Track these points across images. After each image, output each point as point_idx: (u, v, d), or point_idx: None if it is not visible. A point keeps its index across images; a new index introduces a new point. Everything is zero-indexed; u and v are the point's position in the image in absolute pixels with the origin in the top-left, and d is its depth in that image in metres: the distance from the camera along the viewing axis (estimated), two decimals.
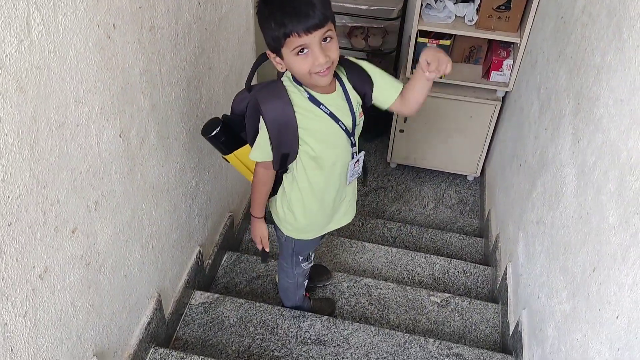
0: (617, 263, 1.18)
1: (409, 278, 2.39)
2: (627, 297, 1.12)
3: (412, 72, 2.75)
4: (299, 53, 1.28)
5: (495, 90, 2.75)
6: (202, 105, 1.81)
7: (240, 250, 2.45)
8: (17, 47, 0.94)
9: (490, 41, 2.72)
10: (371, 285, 2.22)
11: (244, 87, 1.47)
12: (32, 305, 1.12)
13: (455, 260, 2.47)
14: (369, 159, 3.29)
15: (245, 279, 2.24)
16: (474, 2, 2.57)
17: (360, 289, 2.21)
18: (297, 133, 1.40)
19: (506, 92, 2.74)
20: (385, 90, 1.50)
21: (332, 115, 1.41)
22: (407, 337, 1.95)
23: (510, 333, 1.95)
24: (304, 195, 1.54)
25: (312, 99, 1.39)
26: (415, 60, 2.70)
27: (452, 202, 3.10)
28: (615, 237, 1.21)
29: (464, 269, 2.43)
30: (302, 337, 1.95)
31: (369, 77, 1.48)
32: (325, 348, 1.92)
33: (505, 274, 2.14)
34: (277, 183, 1.59)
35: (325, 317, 2.02)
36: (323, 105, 1.40)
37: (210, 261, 2.15)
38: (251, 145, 1.48)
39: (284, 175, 1.56)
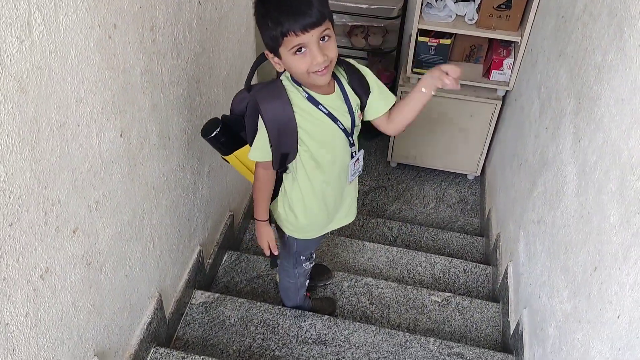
0: (618, 262, 1.18)
1: (409, 277, 2.39)
2: (629, 296, 1.12)
3: (412, 72, 2.76)
4: (297, 52, 1.27)
5: (496, 89, 2.74)
6: (202, 105, 1.81)
7: (240, 249, 2.45)
8: (18, 47, 0.94)
9: (490, 40, 2.72)
10: (372, 285, 2.22)
11: (244, 87, 1.47)
12: (33, 306, 1.12)
13: (455, 259, 2.47)
14: (369, 158, 3.29)
15: (245, 279, 2.24)
16: (474, 1, 2.57)
17: (360, 289, 2.21)
18: (297, 133, 1.40)
19: (507, 91, 2.74)
20: (378, 102, 1.51)
21: (330, 115, 1.41)
22: (407, 336, 1.95)
23: (511, 332, 1.95)
24: (305, 195, 1.54)
25: (311, 99, 1.39)
26: (416, 60, 2.70)
27: (452, 201, 3.10)
28: (616, 237, 1.21)
29: (465, 268, 2.43)
30: (302, 337, 1.95)
31: (368, 84, 1.48)
32: (326, 347, 1.92)
33: (506, 273, 2.14)
34: (279, 185, 1.59)
35: (326, 316, 2.02)
36: (321, 105, 1.40)
37: (210, 261, 2.15)
38: (251, 145, 1.48)
39: (284, 175, 1.56)
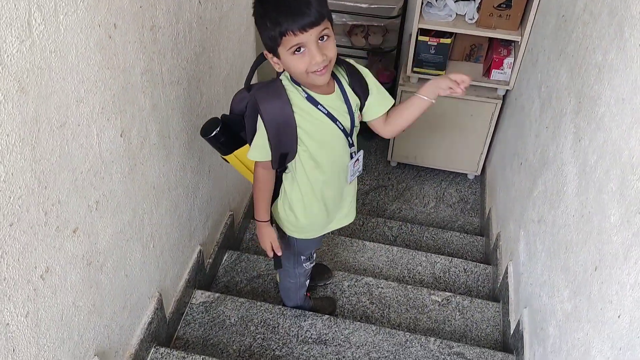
0: (618, 262, 1.18)
1: (409, 277, 2.39)
2: (629, 296, 1.12)
3: (412, 71, 2.75)
4: (296, 52, 1.27)
5: (496, 88, 2.74)
6: (202, 105, 1.81)
7: (240, 249, 2.45)
8: (19, 47, 0.94)
9: (491, 39, 2.72)
10: (372, 284, 2.22)
11: (243, 87, 1.47)
12: (33, 306, 1.12)
13: (456, 259, 2.47)
14: (369, 157, 3.29)
15: (246, 278, 2.24)
16: (474, 0, 2.56)
17: (361, 288, 2.21)
18: (296, 133, 1.39)
19: (507, 90, 2.74)
20: (376, 103, 1.51)
21: (329, 115, 1.41)
22: (408, 336, 1.95)
23: (512, 332, 1.95)
24: (304, 194, 1.54)
25: (310, 99, 1.38)
26: (416, 59, 2.70)
27: (452, 200, 3.10)
28: (616, 236, 1.21)
29: (465, 267, 2.43)
30: (303, 337, 1.95)
31: (367, 85, 1.48)
32: (326, 347, 1.92)
33: (506, 272, 2.14)
34: (279, 186, 1.59)
35: (326, 316, 2.02)
36: (321, 105, 1.39)
37: (211, 260, 2.15)
38: (250, 145, 1.48)
39: (284, 175, 1.56)
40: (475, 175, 3.19)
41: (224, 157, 1.61)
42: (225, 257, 2.29)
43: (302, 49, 1.27)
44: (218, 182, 2.10)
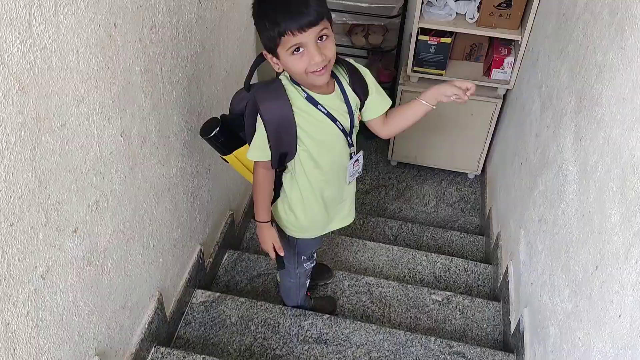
0: (619, 262, 1.18)
1: (410, 276, 2.39)
2: (630, 295, 1.12)
3: (412, 70, 2.75)
4: (295, 52, 1.27)
5: (496, 88, 2.74)
6: (202, 104, 1.81)
7: (241, 248, 2.45)
8: (19, 47, 0.94)
9: (491, 39, 2.72)
10: (372, 284, 2.22)
11: (243, 87, 1.47)
12: (34, 305, 1.12)
13: (456, 258, 2.47)
14: (369, 156, 3.29)
15: (246, 278, 2.24)
16: None
17: (361, 288, 2.21)
18: (296, 132, 1.39)
19: (507, 89, 2.73)
20: (375, 103, 1.51)
21: (329, 115, 1.41)
22: (408, 335, 1.95)
23: (512, 331, 1.95)
24: (304, 194, 1.54)
25: (310, 99, 1.38)
26: (416, 59, 2.70)
27: (453, 200, 3.09)
28: (617, 236, 1.20)
29: (465, 267, 2.43)
30: (303, 336, 1.95)
31: (367, 85, 1.48)
32: (326, 347, 1.92)
33: (506, 272, 2.14)
34: (279, 187, 1.58)
35: (327, 315, 2.02)
36: (320, 105, 1.39)
37: (211, 260, 2.15)
38: (250, 145, 1.48)
39: (283, 175, 1.55)
40: (476, 175, 3.18)
41: (224, 157, 1.61)
42: (225, 257, 2.29)
43: (301, 49, 1.26)
44: (218, 182, 2.10)
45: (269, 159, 1.44)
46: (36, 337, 1.14)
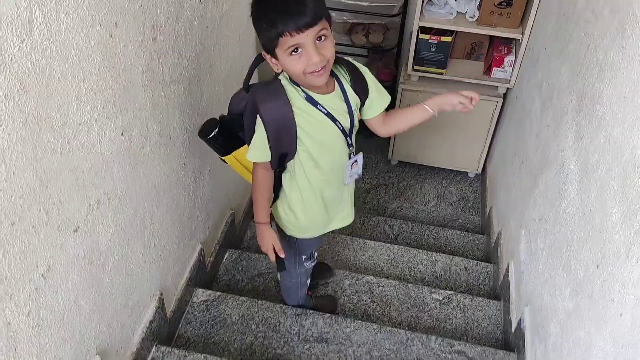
0: (620, 260, 1.18)
1: (410, 275, 2.39)
2: (631, 294, 1.12)
3: (413, 69, 2.75)
4: (293, 53, 1.27)
5: (497, 86, 2.74)
6: (203, 104, 1.81)
7: (241, 247, 2.45)
8: (20, 46, 0.94)
9: (491, 37, 2.72)
10: (373, 283, 2.22)
11: (242, 87, 1.46)
12: (35, 305, 1.12)
13: (456, 257, 2.47)
14: (369, 155, 3.29)
15: (246, 277, 2.24)
16: None
17: (362, 287, 2.21)
18: (296, 133, 1.39)
19: (507, 88, 2.73)
20: (376, 102, 1.51)
21: (329, 115, 1.40)
22: (409, 334, 1.95)
23: (513, 330, 1.95)
24: (304, 194, 1.54)
25: (309, 99, 1.38)
26: (417, 58, 2.70)
27: (453, 199, 3.09)
28: (618, 235, 1.20)
29: (466, 266, 2.43)
30: (304, 335, 1.95)
31: (367, 84, 1.47)
32: (327, 346, 1.92)
33: (507, 271, 2.14)
34: (278, 188, 1.58)
35: (328, 314, 2.02)
36: (320, 105, 1.39)
37: (212, 259, 2.15)
38: (249, 146, 1.47)
39: (283, 175, 1.55)
40: (476, 174, 3.18)
41: (223, 158, 1.61)
42: (226, 256, 2.29)
43: (299, 50, 1.26)
44: (219, 181, 2.10)
45: (269, 159, 1.43)
46: (37, 336, 1.14)
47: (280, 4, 1.24)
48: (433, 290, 2.21)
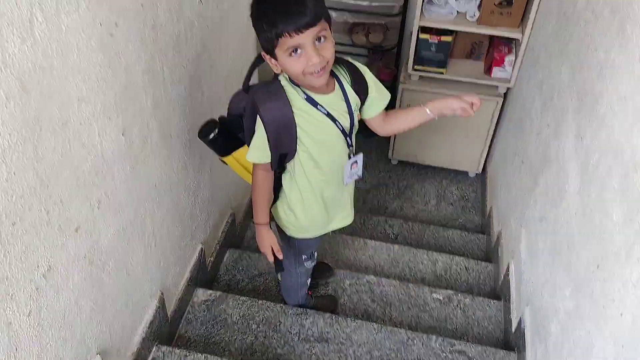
0: (621, 260, 1.18)
1: (411, 275, 2.39)
2: (632, 294, 1.12)
3: (413, 69, 2.75)
4: (292, 53, 1.27)
5: (497, 86, 2.74)
6: (204, 103, 1.81)
7: (242, 247, 2.45)
8: (20, 46, 0.94)
9: (491, 37, 2.71)
10: (373, 283, 2.22)
11: (241, 88, 1.46)
12: (36, 305, 1.12)
13: (457, 257, 2.47)
14: (370, 155, 3.29)
15: (247, 277, 2.24)
16: None
17: (362, 286, 2.21)
18: (296, 133, 1.39)
19: (508, 88, 2.73)
20: (376, 101, 1.51)
21: (329, 115, 1.40)
22: (409, 334, 1.95)
23: (513, 330, 1.95)
24: (304, 195, 1.54)
25: (309, 100, 1.38)
26: (417, 57, 2.70)
27: (453, 198, 3.10)
28: (619, 235, 1.20)
29: (466, 265, 2.43)
30: (304, 335, 1.95)
31: (367, 84, 1.47)
32: (328, 345, 1.92)
33: (507, 270, 2.14)
34: (278, 188, 1.58)
35: (328, 314, 2.02)
36: (320, 105, 1.39)
37: (212, 259, 2.15)
38: (249, 146, 1.47)
39: (283, 175, 1.55)
40: (476, 173, 3.18)
41: (222, 158, 1.60)
42: (226, 256, 2.29)
43: (298, 51, 1.26)
44: (219, 181, 2.10)
45: (269, 160, 1.43)
46: (38, 336, 1.14)
47: (280, 4, 1.24)
48: (433, 289, 2.21)
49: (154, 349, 1.74)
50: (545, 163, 1.84)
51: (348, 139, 1.47)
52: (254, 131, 1.41)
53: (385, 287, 2.21)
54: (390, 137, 3.11)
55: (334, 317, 2.01)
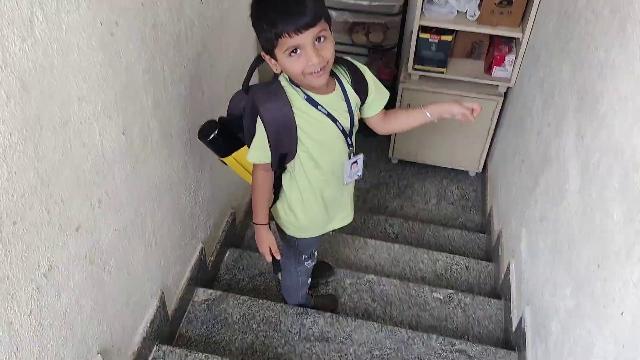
0: (621, 260, 1.18)
1: (411, 274, 2.39)
2: (632, 293, 1.12)
3: (413, 68, 2.75)
4: (292, 54, 1.26)
5: (497, 85, 2.74)
6: (204, 103, 1.81)
7: (242, 247, 2.45)
8: (21, 45, 0.94)
9: (492, 36, 2.71)
10: (374, 282, 2.22)
11: (241, 88, 1.46)
12: (36, 304, 1.12)
13: (457, 256, 2.47)
14: (370, 154, 3.29)
15: (247, 276, 2.24)
16: None
17: (362, 286, 2.21)
18: (296, 133, 1.39)
19: (508, 87, 2.73)
20: (376, 100, 1.51)
21: (329, 115, 1.40)
22: (410, 333, 1.96)
23: (514, 329, 1.95)
24: (304, 195, 1.54)
25: (310, 100, 1.38)
26: (417, 57, 2.70)
27: (454, 198, 3.10)
28: (619, 234, 1.20)
29: (467, 265, 2.43)
30: (305, 334, 1.95)
31: (367, 84, 1.47)
32: (328, 344, 1.92)
33: (508, 270, 2.14)
34: (278, 188, 1.58)
35: (328, 313, 2.02)
36: (320, 106, 1.39)
37: (212, 258, 2.15)
38: (249, 147, 1.47)
39: (283, 175, 1.55)
40: (477, 173, 3.18)
41: (222, 159, 1.60)
42: (227, 255, 2.29)
43: (298, 51, 1.26)
44: (220, 180, 2.10)
45: (269, 160, 1.43)
46: (39, 335, 1.14)
47: (280, 4, 1.24)
48: (434, 289, 2.21)
49: (155, 348, 1.74)
50: (546, 162, 1.84)
51: (348, 139, 1.47)
52: (254, 132, 1.41)
53: (385, 287, 2.21)
54: (390, 136, 3.11)
55: (334, 316, 2.01)
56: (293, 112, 1.36)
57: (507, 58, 2.61)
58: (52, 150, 1.07)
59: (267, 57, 1.34)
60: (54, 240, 1.13)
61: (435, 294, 2.19)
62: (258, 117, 1.37)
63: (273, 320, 1.98)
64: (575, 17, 1.75)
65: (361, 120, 1.56)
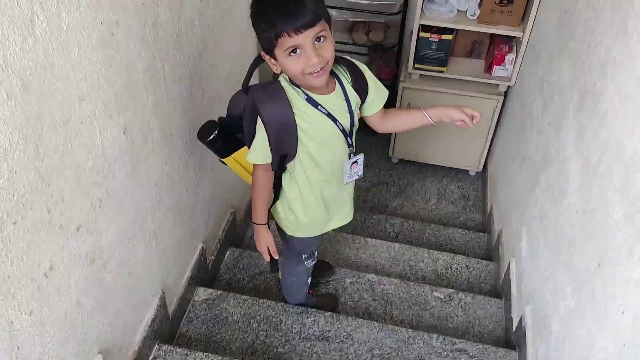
0: (622, 259, 1.18)
1: (412, 273, 2.39)
2: (633, 292, 1.12)
3: (414, 67, 2.75)
4: (292, 54, 1.26)
5: (498, 84, 2.74)
6: (204, 102, 1.81)
7: (242, 246, 2.45)
8: (21, 45, 0.93)
9: (492, 35, 2.71)
10: (374, 281, 2.22)
11: (240, 89, 1.45)
12: (37, 304, 1.12)
13: (458, 255, 2.47)
14: (370, 153, 3.29)
15: (248, 275, 2.24)
16: None
17: (363, 285, 2.21)
18: (296, 134, 1.38)
19: (508, 86, 2.73)
20: (376, 99, 1.52)
21: (330, 115, 1.40)
22: (410, 332, 1.96)
23: (514, 328, 1.95)
24: (304, 194, 1.53)
25: (310, 100, 1.37)
26: (417, 56, 2.70)
27: (454, 197, 3.09)
28: (620, 233, 1.20)
29: (467, 264, 2.43)
30: (305, 333, 1.95)
31: (367, 83, 1.47)
32: (329, 344, 1.92)
33: (508, 269, 2.14)
34: (278, 188, 1.58)
35: (329, 313, 2.02)
36: (321, 105, 1.39)
37: (213, 258, 2.15)
38: (249, 147, 1.47)
39: (283, 175, 1.55)
40: (477, 172, 3.18)
41: (222, 159, 1.60)
42: (227, 255, 2.29)
43: (298, 51, 1.26)
44: (220, 180, 2.10)
45: (270, 161, 1.43)
46: (40, 335, 1.14)
47: (280, 4, 1.24)
48: (434, 288, 2.21)
49: (155, 347, 1.74)
50: (546, 161, 1.84)
51: (348, 139, 1.47)
52: (254, 132, 1.40)
53: (386, 286, 2.21)
54: (390, 135, 3.11)
55: (334, 315, 2.01)
56: (293, 113, 1.36)
57: (507, 57, 2.61)
58: (52, 150, 1.07)
59: (267, 57, 1.34)
60: (54, 240, 1.13)
61: (435, 293, 2.19)
62: (258, 117, 1.37)
63: (273, 320, 1.98)
64: (576, 16, 1.75)
65: (361, 119, 1.56)
